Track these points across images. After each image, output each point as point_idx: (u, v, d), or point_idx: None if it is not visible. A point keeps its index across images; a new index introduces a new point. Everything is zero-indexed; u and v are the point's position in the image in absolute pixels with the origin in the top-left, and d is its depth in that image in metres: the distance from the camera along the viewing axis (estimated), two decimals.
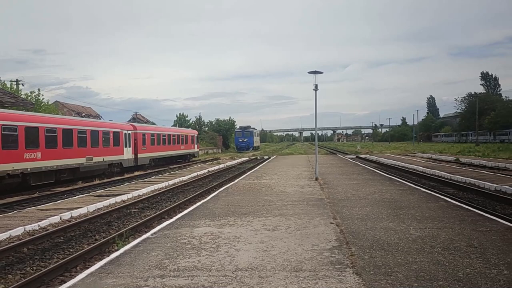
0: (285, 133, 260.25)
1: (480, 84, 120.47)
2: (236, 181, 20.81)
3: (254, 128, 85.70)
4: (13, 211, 14.76)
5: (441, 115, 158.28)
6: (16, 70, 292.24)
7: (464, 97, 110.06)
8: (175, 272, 6.30)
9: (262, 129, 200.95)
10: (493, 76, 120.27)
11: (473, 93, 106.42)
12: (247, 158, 49.88)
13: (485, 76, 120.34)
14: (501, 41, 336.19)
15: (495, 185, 18.08)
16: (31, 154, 20.96)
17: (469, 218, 9.83)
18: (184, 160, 47.38)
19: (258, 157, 52.56)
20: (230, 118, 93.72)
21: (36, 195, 19.44)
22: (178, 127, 71.93)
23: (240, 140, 77.12)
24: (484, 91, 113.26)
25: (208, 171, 31.19)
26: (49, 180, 22.75)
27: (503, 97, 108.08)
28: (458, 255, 6.81)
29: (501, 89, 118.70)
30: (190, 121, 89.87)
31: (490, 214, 10.89)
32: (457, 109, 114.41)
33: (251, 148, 76.93)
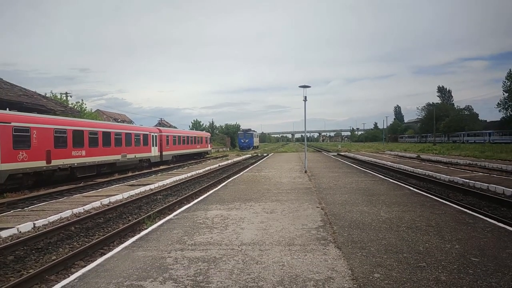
0: (281, 135, 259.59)
1: (437, 95, 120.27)
2: (241, 173, 20.78)
3: (254, 131, 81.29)
4: (63, 198, 14.77)
5: (405, 120, 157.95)
6: (66, 85, 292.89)
7: (424, 106, 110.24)
8: (192, 246, 6.31)
9: (262, 132, 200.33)
10: (447, 89, 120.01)
11: (431, 103, 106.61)
12: (250, 155, 49.77)
13: (441, 89, 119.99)
14: (453, 62, 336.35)
15: (448, 176, 18.04)
16: (77, 152, 20.98)
17: (428, 203, 9.82)
18: (199, 157, 47.31)
19: (259, 154, 52.47)
20: (236, 123, 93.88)
21: (81, 184, 19.44)
22: (195, 130, 72.06)
23: (242, 141, 73.49)
24: (440, 101, 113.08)
25: (219, 165, 31.15)
26: (92, 172, 22.75)
27: (455, 106, 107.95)
28: (419, 232, 6.81)
29: (453, 100, 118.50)
30: (204, 126, 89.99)
31: (445, 200, 10.87)
32: (418, 116, 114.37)
33: (252, 147, 73.24)
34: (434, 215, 8.26)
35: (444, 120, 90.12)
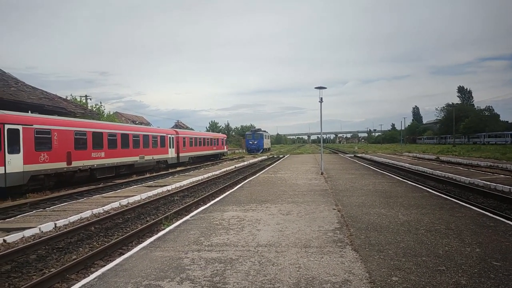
0: (296, 136, 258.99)
1: (457, 96, 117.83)
2: (257, 175, 20.79)
3: (264, 131, 72.02)
4: (83, 198, 15.06)
5: (424, 121, 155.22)
6: (86, 88, 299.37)
7: (443, 107, 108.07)
8: (209, 247, 6.35)
9: (277, 134, 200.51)
10: (467, 90, 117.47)
11: (450, 103, 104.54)
12: (266, 157, 49.77)
13: (461, 90, 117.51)
14: (472, 62, 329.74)
15: (469, 178, 17.65)
16: (97, 154, 21.37)
17: (448, 206, 9.63)
18: (216, 158, 47.57)
19: (275, 156, 52.43)
20: (251, 124, 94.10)
21: (100, 185, 19.78)
22: (211, 132, 72.28)
23: (251, 143, 64.20)
24: (460, 102, 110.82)
25: (235, 167, 31.23)
26: (111, 174, 23.13)
27: (476, 107, 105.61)
28: (438, 236, 6.69)
29: (473, 101, 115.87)
30: (220, 127, 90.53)
31: (465, 203, 10.64)
32: (437, 117, 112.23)
33: (261, 150, 63.84)
34: (454, 218, 8.10)
35: (464, 121, 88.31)
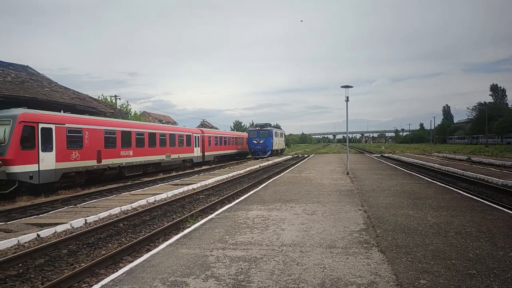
0: (322, 136, 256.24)
1: (490, 94, 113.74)
2: (281, 174, 20.73)
3: (275, 127, 53.61)
4: (112, 195, 15.45)
5: (455, 121, 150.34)
6: (116, 88, 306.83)
7: (475, 106, 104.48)
8: (233, 246, 6.39)
9: (302, 133, 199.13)
10: (501, 88, 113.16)
11: (482, 102, 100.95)
12: (291, 156, 49.56)
13: (494, 88, 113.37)
14: (508, 58, 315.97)
15: (502, 180, 16.97)
16: (125, 152, 21.89)
17: (479, 208, 9.31)
18: (240, 157, 47.75)
19: (299, 156, 52.15)
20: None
21: (129, 183, 20.19)
22: (236, 131, 72.55)
23: (255, 142, 45.43)
24: (493, 101, 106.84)
25: (260, 166, 31.24)
26: (139, 172, 23.64)
27: (510, 106, 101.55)
28: (469, 239, 6.47)
29: (507, 99, 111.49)
30: (244, 126, 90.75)
31: (497, 205, 10.22)
32: (469, 116, 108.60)
33: (269, 153, 45.49)
34: (486, 221, 7.82)
35: (497, 120, 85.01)
